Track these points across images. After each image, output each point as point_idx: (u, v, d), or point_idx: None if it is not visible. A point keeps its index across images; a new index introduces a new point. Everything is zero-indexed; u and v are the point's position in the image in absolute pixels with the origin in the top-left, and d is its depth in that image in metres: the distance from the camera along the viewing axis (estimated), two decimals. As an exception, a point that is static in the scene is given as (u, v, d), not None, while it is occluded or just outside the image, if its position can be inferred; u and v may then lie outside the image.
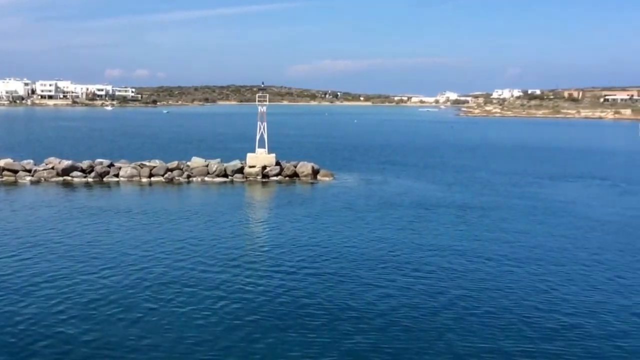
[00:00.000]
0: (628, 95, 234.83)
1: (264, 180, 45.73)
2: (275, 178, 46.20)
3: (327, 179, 46.83)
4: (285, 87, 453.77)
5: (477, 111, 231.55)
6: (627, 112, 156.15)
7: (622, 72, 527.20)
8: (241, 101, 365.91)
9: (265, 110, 48.99)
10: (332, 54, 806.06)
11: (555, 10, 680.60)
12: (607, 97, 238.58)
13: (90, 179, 44.30)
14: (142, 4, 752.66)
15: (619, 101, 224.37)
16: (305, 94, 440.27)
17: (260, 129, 48.05)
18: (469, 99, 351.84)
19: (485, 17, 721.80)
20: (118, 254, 24.42)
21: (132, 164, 46.37)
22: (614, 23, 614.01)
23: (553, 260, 24.49)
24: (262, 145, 47.68)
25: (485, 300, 19.64)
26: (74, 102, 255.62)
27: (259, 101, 49.71)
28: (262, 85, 59.59)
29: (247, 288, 20.48)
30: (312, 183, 45.48)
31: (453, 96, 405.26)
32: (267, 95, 51.45)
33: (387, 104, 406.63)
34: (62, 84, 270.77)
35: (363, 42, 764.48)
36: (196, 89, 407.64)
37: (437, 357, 15.61)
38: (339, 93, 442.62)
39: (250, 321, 17.59)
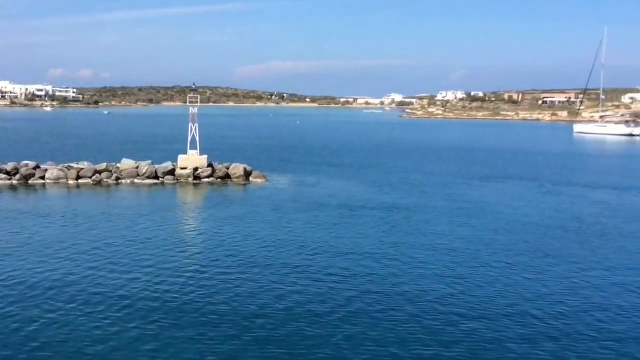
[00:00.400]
0: (566, 97, 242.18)
1: (195, 182, 45.36)
2: (207, 180, 45.89)
3: (259, 180, 46.77)
4: (231, 89, 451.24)
5: (420, 113, 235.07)
6: (563, 114, 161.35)
7: (561, 76, 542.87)
8: (186, 102, 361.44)
9: (196, 112, 48.67)
10: (280, 56, 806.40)
11: (498, 15, 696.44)
12: (545, 99, 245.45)
13: (15, 182, 43.14)
14: (89, 3, 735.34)
15: (556, 103, 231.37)
16: (252, 95, 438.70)
17: (192, 130, 47.69)
18: (414, 100, 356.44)
19: (432, 20, 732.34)
20: (17, 259, 23.77)
21: (59, 166, 45.32)
22: (555, 29, 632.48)
23: (466, 263, 24.89)
24: (194, 147, 47.33)
25: (388, 305, 19.87)
26: (13, 102, 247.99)
27: (190, 102, 49.37)
28: (194, 87, 59.19)
29: (150, 292, 20.23)
30: (244, 185, 45.35)
31: (398, 98, 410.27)
32: (199, 96, 51.19)
33: (333, 105, 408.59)
34: (0, 84, 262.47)
35: (312, 44, 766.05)
36: (140, 89, 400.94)
37: None
38: (285, 95, 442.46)
39: (151, 327, 17.40)
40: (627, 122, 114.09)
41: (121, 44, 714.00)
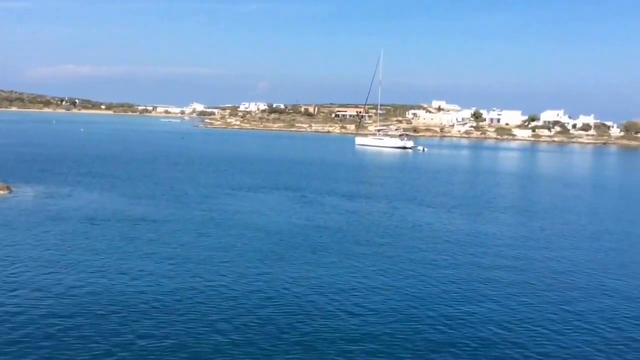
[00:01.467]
0: (357, 111, 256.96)
1: None
2: (-63, 192, 41.20)
3: (1, 192, 42.97)
4: (15, 92, 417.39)
5: (218, 123, 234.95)
6: (351, 127, 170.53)
7: (356, 90, 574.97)
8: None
9: None
10: (77, 59, 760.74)
11: (298, 29, 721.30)
12: (338, 112, 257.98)
13: None
14: None
15: (347, 117, 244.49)
16: (39, 100, 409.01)
17: None
18: (216, 110, 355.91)
19: (240, 31, 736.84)
20: None
21: None
22: (350, 44, 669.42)
23: (203, 277, 24.64)
24: None
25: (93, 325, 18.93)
26: None
27: None
28: None
29: None
30: (-20, 197, 41.38)
31: (200, 107, 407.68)
32: None
33: (130, 113, 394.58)
34: None
35: (112, 48, 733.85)
36: None
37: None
38: (77, 100, 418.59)
39: None
40: (400, 136, 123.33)
41: None
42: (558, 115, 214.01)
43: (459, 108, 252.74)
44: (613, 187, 69.54)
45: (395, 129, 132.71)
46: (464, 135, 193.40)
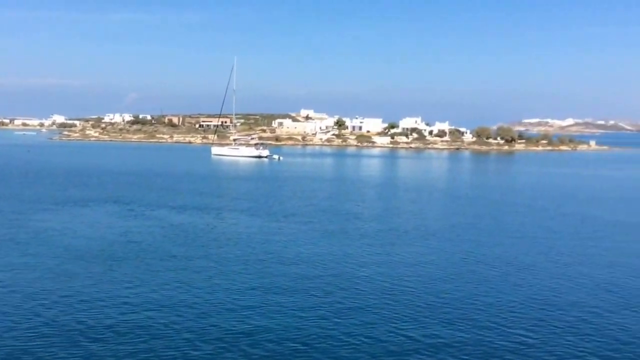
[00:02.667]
0: (221, 121, 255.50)
1: None
2: None
3: None
4: None
5: (76, 135, 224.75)
6: (214, 137, 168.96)
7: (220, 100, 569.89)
8: None
9: None
10: None
11: (162, 40, 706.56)
12: (203, 123, 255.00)
13: None
14: None
15: (212, 127, 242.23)
16: None
17: None
18: (77, 122, 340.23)
19: (105, 41, 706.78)
20: None
21: None
22: (219, 54, 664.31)
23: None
24: None
25: None
26: None
27: None
28: None
29: None
30: None
31: (61, 119, 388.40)
32: None
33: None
34: None
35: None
36: None
37: None
38: None
39: None
40: (256, 145, 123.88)
41: None
42: (416, 122, 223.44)
43: (326, 116, 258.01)
44: (448, 190, 73.38)
45: (251, 138, 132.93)
46: (325, 143, 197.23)
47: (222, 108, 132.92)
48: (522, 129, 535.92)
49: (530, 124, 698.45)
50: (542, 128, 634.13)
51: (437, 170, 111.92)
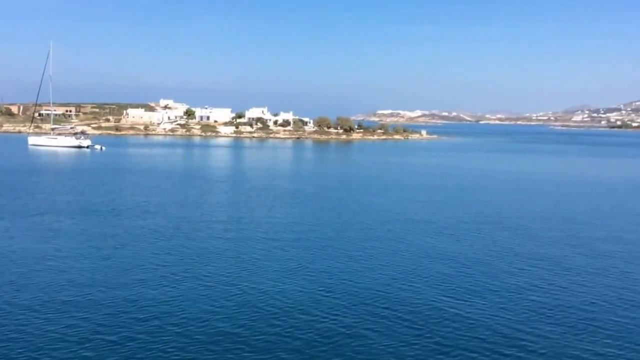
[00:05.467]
0: (66, 110, 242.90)
1: None
2: None
3: None
4: None
5: None
6: (30, 126, 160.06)
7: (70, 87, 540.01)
8: None
9: None
10: None
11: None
12: (43, 112, 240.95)
13: None
14: None
15: (55, 115, 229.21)
16: None
17: None
18: None
19: None
20: None
21: None
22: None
23: None
24: None
25: None
26: None
27: None
28: None
29: None
30: None
31: None
32: None
33: None
34: None
35: None
36: None
37: None
38: None
39: None
40: (76, 134, 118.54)
41: None
42: (263, 112, 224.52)
43: (186, 106, 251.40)
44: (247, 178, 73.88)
45: (71, 128, 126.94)
46: (169, 133, 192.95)
47: (38, 95, 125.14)
48: (377, 119, 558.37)
49: (384, 114, 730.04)
50: (394, 119, 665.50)
51: (258, 158, 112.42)
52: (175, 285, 26.96)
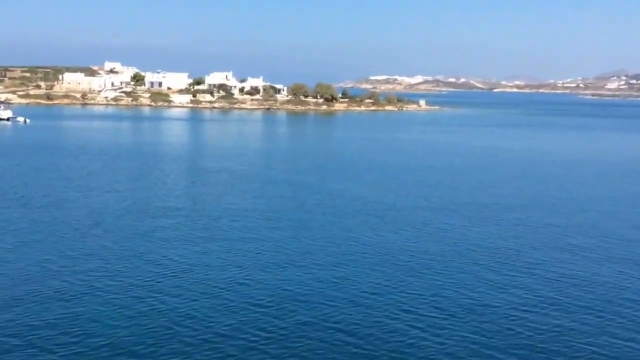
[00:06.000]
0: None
1: None
2: None
3: None
4: None
5: None
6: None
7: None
8: None
9: None
10: None
11: None
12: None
13: None
14: None
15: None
16: None
17: None
18: None
19: None
20: None
21: None
22: None
23: None
24: None
25: None
26: None
27: None
28: None
29: None
30: None
31: None
32: None
33: None
34: None
35: None
36: None
37: None
38: None
39: None
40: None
41: None
42: (227, 77, 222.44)
43: (136, 70, 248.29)
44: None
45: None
46: (111, 102, 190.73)
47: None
48: (369, 86, 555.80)
49: (378, 81, 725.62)
50: (390, 86, 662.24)
51: (215, 134, 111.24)
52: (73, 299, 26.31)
